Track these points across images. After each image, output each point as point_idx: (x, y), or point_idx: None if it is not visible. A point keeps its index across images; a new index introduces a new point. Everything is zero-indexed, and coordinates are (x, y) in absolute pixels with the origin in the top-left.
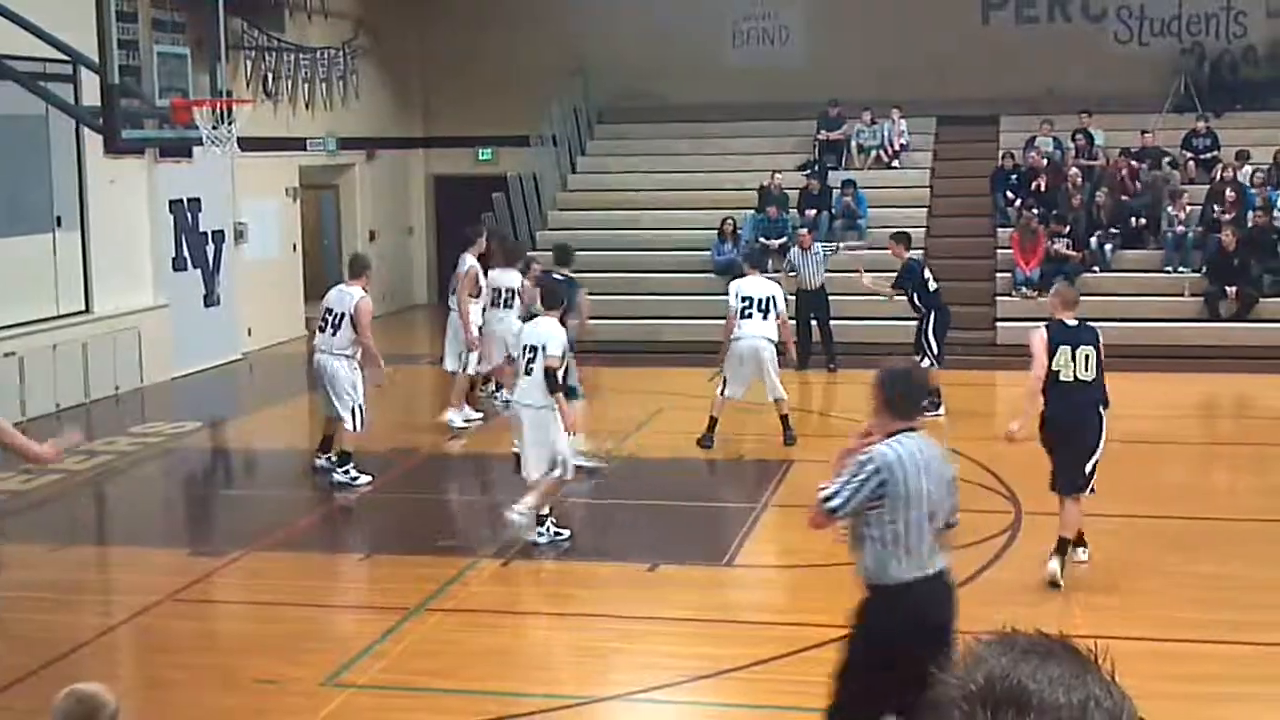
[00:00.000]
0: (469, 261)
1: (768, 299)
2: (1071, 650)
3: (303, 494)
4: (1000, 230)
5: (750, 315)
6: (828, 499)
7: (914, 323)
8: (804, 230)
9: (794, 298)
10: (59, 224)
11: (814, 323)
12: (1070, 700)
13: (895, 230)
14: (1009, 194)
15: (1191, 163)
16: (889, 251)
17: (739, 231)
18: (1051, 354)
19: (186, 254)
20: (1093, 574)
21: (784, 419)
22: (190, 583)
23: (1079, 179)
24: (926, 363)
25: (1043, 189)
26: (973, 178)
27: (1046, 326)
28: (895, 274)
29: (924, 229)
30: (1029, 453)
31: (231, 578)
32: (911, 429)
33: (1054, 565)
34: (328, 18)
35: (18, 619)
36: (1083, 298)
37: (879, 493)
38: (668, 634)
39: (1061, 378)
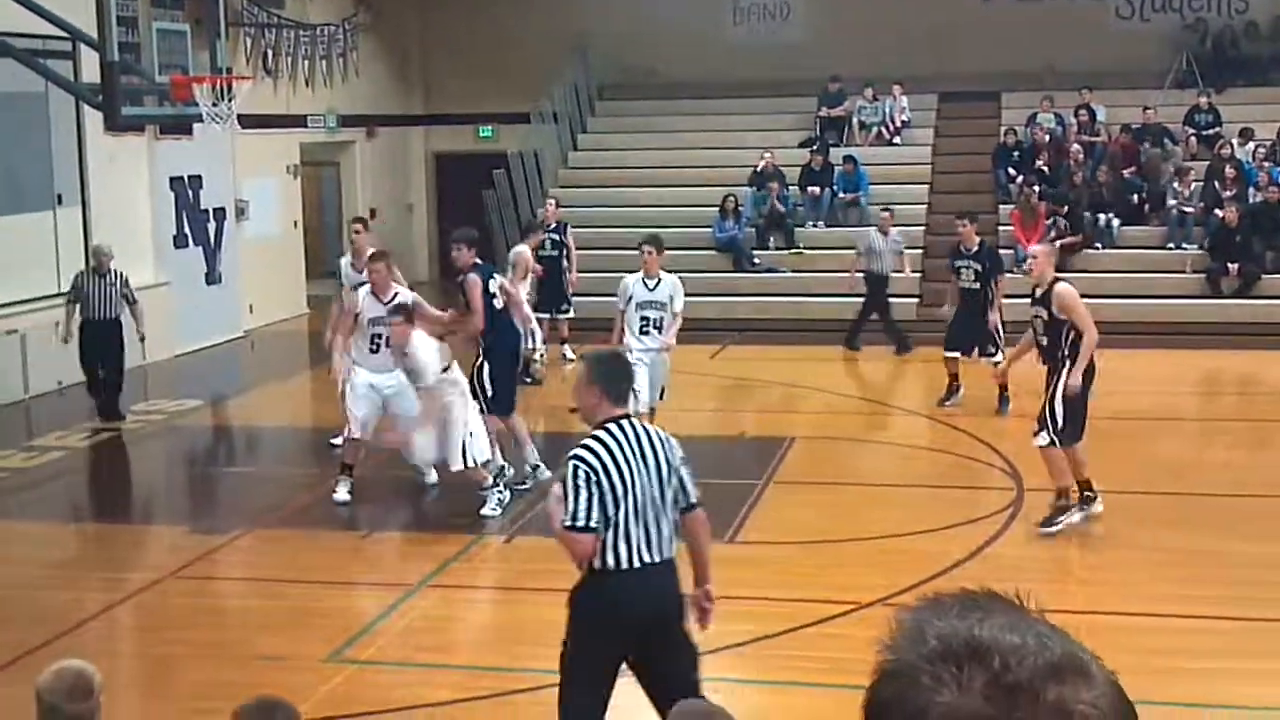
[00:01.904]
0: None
1: None
2: (1001, 599)
3: (304, 471)
4: (1002, 207)
5: None
6: (567, 524)
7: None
8: (886, 213)
9: (862, 279)
10: (59, 201)
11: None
12: (1025, 640)
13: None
14: (1010, 170)
15: (1193, 139)
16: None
17: (740, 209)
18: None
19: (187, 231)
20: (1089, 549)
21: None
22: (192, 560)
23: (1080, 155)
24: (1000, 356)
25: (1045, 166)
26: (974, 154)
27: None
28: (969, 257)
29: (925, 205)
30: (1029, 428)
31: (234, 555)
32: (625, 416)
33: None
34: None
35: (21, 595)
36: (1085, 274)
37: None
38: None
39: None
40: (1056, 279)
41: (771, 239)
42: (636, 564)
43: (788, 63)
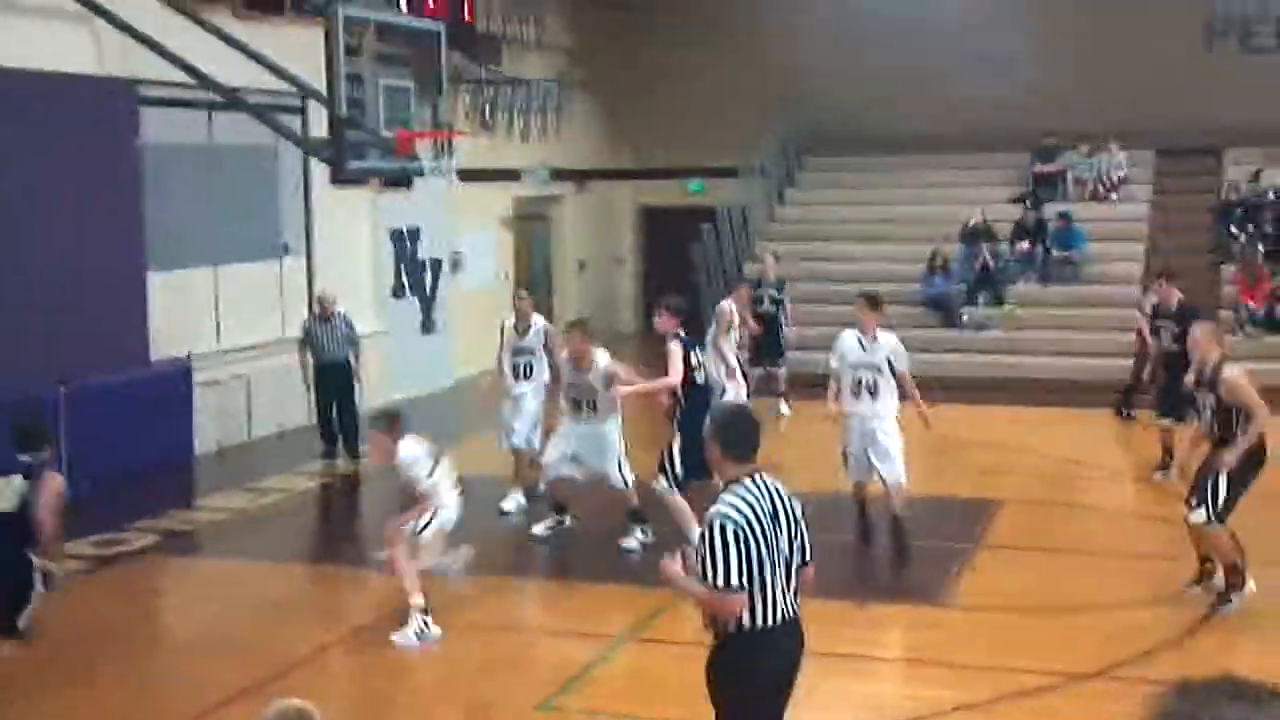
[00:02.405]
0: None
1: None
2: (1263, 688)
3: (510, 521)
4: (1224, 267)
5: None
6: (720, 584)
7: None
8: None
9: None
10: (286, 251)
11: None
12: None
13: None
14: (1233, 229)
15: None
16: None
17: (949, 265)
18: None
19: (405, 281)
20: None
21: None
22: (404, 603)
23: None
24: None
25: (1270, 225)
26: (1194, 211)
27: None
28: (1169, 317)
29: (1142, 264)
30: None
31: (449, 599)
32: (756, 471)
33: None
34: (542, 51)
35: (241, 633)
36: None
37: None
38: (874, 674)
39: None
40: (1224, 359)
41: (981, 296)
42: (779, 620)
43: (1000, 117)
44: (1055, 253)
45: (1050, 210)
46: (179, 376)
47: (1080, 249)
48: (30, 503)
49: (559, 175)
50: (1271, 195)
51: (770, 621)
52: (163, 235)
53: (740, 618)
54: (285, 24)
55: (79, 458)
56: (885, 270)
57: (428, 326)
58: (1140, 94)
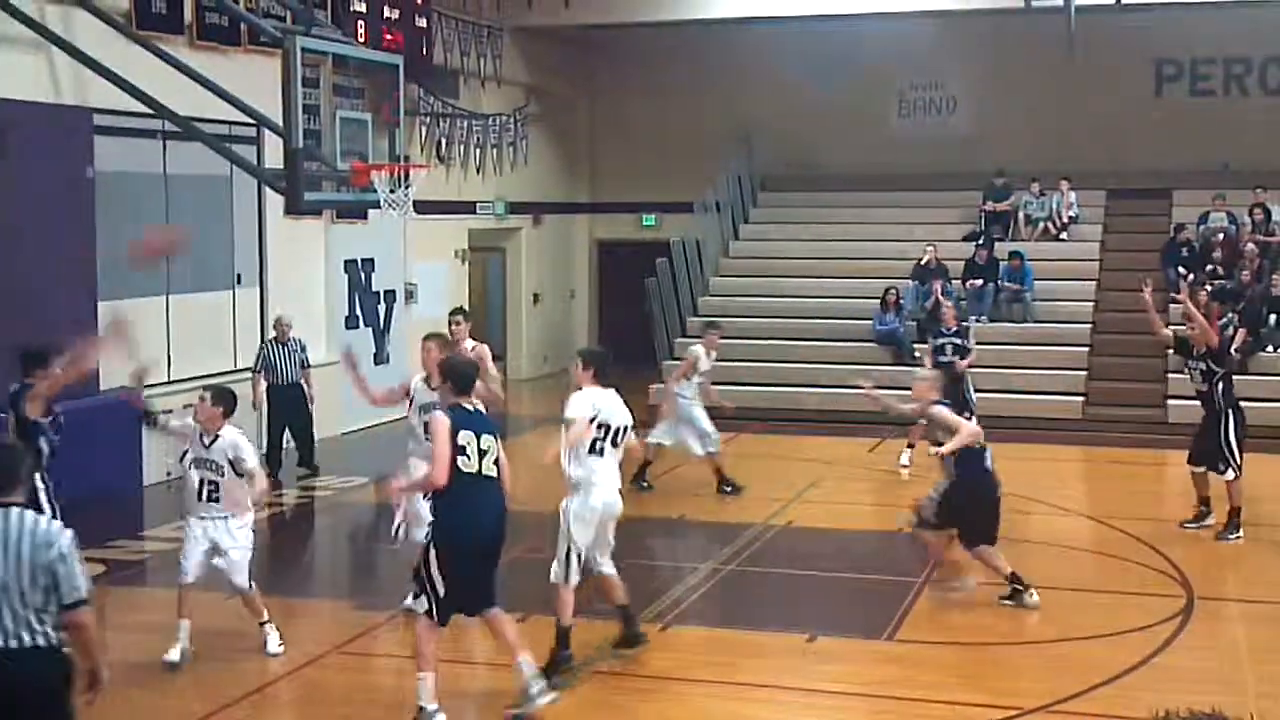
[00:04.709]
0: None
1: None
2: None
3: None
4: (1172, 306)
5: None
6: None
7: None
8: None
9: None
10: (239, 282)
11: None
12: None
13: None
14: (1181, 269)
15: None
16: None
17: (901, 301)
18: None
19: (359, 312)
20: (1261, 659)
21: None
22: (355, 635)
23: (1256, 256)
24: (1231, 474)
25: (1218, 265)
26: (1143, 251)
27: None
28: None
29: (1093, 303)
30: (1200, 536)
31: (394, 633)
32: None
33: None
34: (500, 85)
35: (183, 664)
36: (1257, 378)
37: None
38: (824, 707)
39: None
40: (935, 404)
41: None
42: None
43: (952, 156)
44: (1006, 290)
45: (1002, 248)
46: (129, 406)
47: (1031, 287)
48: None
49: (515, 208)
50: (1218, 235)
51: None
52: (115, 264)
53: None
54: (242, 54)
55: None
56: (838, 306)
57: (381, 357)
58: (1091, 135)
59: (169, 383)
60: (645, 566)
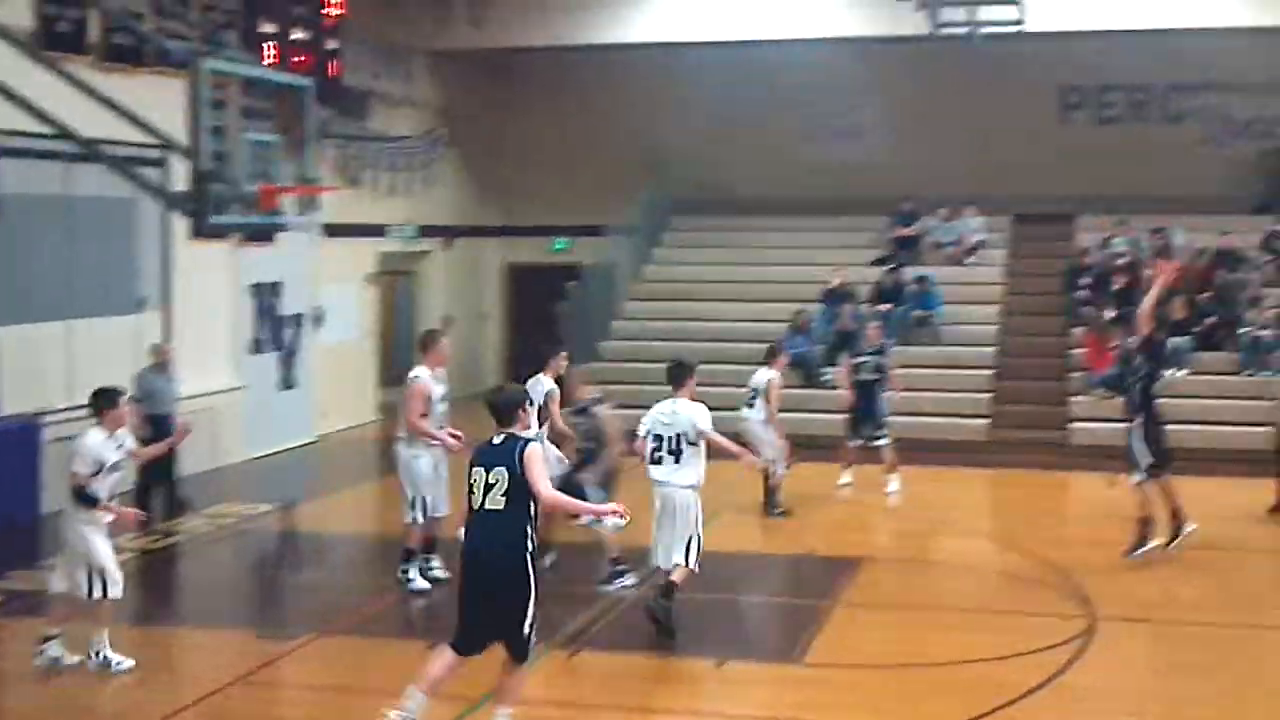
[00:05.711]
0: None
1: None
2: None
3: (370, 580)
4: (1074, 330)
5: None
6: None
7: None
8: None
9: None
10: (142, 305)
11: None
12: None
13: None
14: (1083, 293)
15: (1270, 264)
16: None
17: (811, 325)
18: None
19: (265, 336)
20: (1164, 678)
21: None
22: (259, 665)
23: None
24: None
25: (1121, 289)
26: (1048, 276)
27: None
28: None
29: (998, 326)
30: (1105, 556)
31: (299, 663)
32: None
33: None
34: (411, 108)
35: (83, 697)
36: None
37: None
38: None
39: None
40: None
41: (840, 356)
42: None
43: (861, 182)
44: (913, 314)
45: (909, 273)
46: (26, 433)
47: (938, 311)
48: None
49: (426, 231)
50: (1120, 260)
51: None
52: (13, 288)
53: None
54: (148, 75)
55: None
56: (749, 329)
57: (287, 381)
58: (997, 162)
59: (69, 409)
60: (552, 595)
